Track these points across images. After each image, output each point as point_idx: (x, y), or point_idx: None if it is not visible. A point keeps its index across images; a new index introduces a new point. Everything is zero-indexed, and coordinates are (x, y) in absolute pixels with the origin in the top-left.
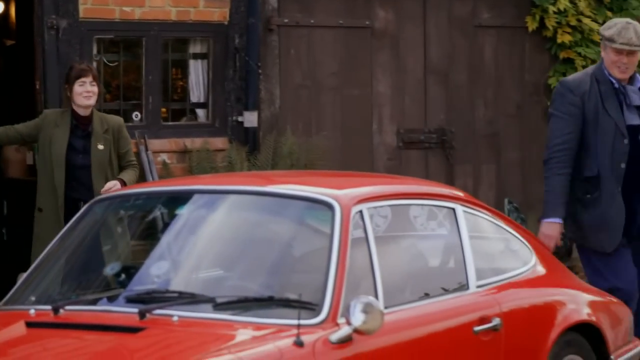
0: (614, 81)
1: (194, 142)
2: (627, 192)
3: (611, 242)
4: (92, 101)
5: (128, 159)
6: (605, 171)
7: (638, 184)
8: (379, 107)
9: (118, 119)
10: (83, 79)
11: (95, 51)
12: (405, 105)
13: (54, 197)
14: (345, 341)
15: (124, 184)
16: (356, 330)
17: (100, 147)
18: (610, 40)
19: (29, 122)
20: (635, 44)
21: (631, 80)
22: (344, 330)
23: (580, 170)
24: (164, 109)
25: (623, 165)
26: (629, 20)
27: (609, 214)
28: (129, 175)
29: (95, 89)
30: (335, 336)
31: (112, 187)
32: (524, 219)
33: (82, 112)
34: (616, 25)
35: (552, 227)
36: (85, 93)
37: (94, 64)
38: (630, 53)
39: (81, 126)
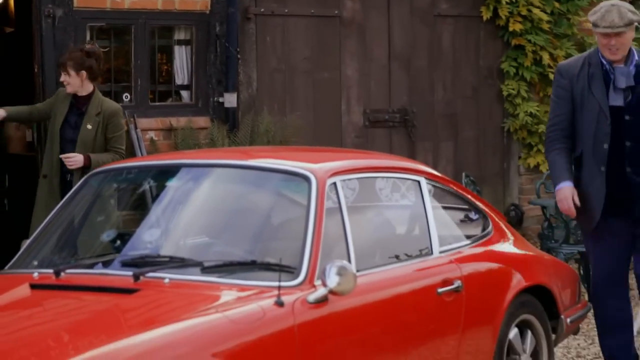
0: (604, 62)
1: (179, 121)
2: (622, 172)
3: (588, 221)
4: (70, 89)
5: (112, 144)
6: (587, 151)
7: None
8: (347, 89)
9: (114, 107)
10: (60, 71)
11: (88, 37)
12: (371, 87)
13: (53, 166)
14: (322, 301)
15: (89, 160)
16: (331, 292)
17: (89, 126)
18: (595, 25)
19: (47, 100)
20: (617, 25)
21: (628, 59)
22: (320, 292)
23: (572, 150)
24: (151, 91)
25: (606, 146)
26: (613, 2)
27: (587, 193)
28: (100, 156)
29: (69, 78)
30: (312, 296)
31: (72, 157)
32: (479, 191)
33: (80, 93)
34: (600, 10)
35: (562, 191)
36: (65, 83)
37: None
38: (617, 34)
39: (77, 105)
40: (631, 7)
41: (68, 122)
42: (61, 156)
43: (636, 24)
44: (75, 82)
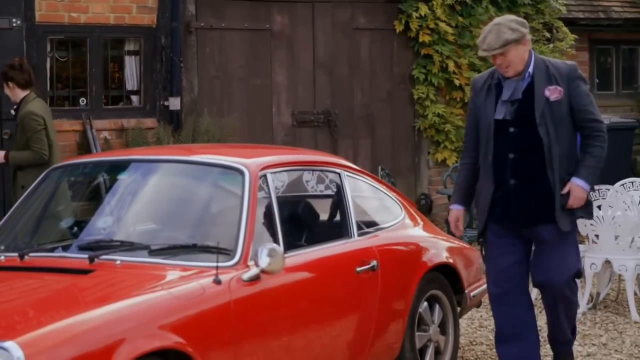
0: (500, 77)
1: (129, 122)
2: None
3: (478, 227)
4: (12, 99)
5: (29, 143)
6: (481, 163)
7: (524, 174)
8: (277, 94)
9: (24, 111)
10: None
11: (49, 49)
12: (298, 92)
13: None
14: (254, 279)
15: (7, 156)
16: (263, 271)
17: (15, 129)
18: (478, 47)
19: None
20: (493, 47)
21: (524, 73)
22: (253, 271)
23: None
24: (105, 96)
25: (490, 158)
26: (497, 21)
27: (480, 202)
28: (20, 153)
29: (6, 89)
30: (246, 275)
31: None
32: (393, 182)
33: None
34: (484, 31)
35: (451, 213)
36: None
37: (47, 60)
38: (501, 54)
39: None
40: (513, 25)
41: None
42: None
43: (528, 37)
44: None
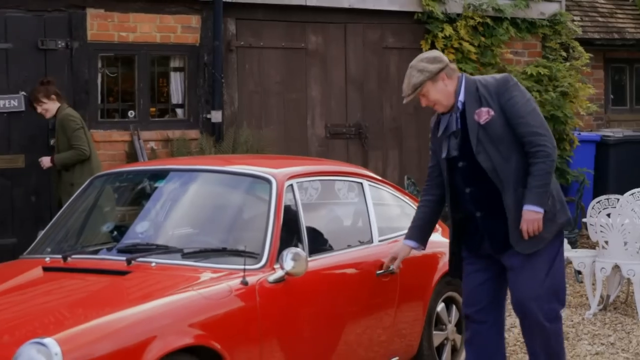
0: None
1: (174, 133)
2: (474, 216)
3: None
4: (48, 115)
5: (71, 142)
6: (447, 197)
7: (486, 205)
8: (312, 108)
9: (61, 114)
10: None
11: (100, 65)
12: (331, 106)
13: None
14: (280, 281)
15: (53, 160)
16: (287, 273)
17: (56, 137)
18: None
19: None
20: (407, 93)
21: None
22: (278, 273)
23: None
24: (152, 108)
25: (449, 194)
26: (411, 64)
27: (450, 234)
28: (63, 154)
29: (45, 105)
30: (271, 277)
31: (42, 160)
32: (419, 191)
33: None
34: None
35: (396, 247)
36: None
37: (99, 75)
38: (422, 95)
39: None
40: (421, 65)
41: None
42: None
43: (444, 71)
44: (47, 110)
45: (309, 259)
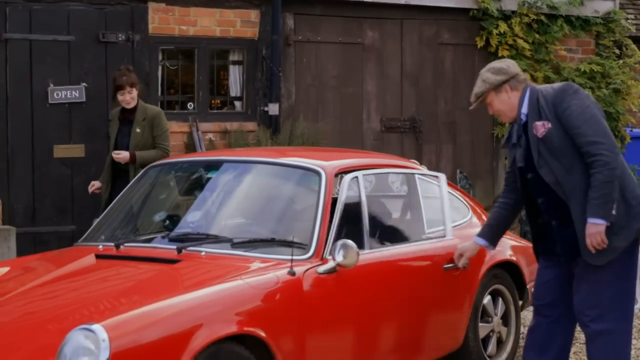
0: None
1: (232, 125)
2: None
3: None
4: (132, 104)
5: (158, 141)
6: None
7: (559, 215)
8: (368, 102)
9: (156, 110)
10: (121, 91)
11: (160, 58)
12: (386, 100)
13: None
14: (331, 272)
15: (134, 157)
16: (339, 265)
17: (138, 130)
18: None
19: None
20: (471, 101)
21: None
22: (329, 264)
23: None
24: (211, 101)
25: (526, 202)
26: (481, 71)
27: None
28: (146, 152)
29: (133, 93)
30: (321, 268)
31: (119, 154)
32: (471, 184)
33: (126, 106)
34: None
35: (466, 244)
36: (125, 102)
37: (159, 68)
38: (488, 104)
39: (126, 116)
40: (486, 76)
41: (122, 132)
42: (112, 153)
43: (509, 82)
44: (135, 98)
45: (366, 252)
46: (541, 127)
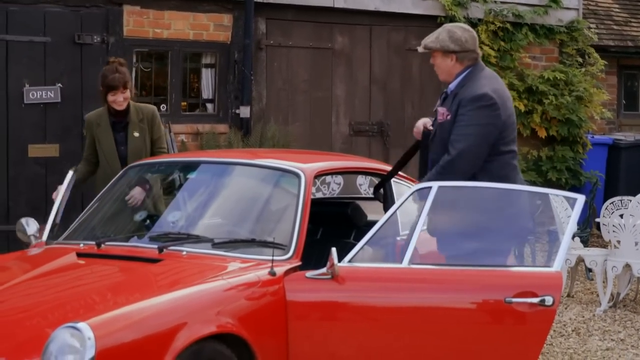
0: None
1: (204, 127)
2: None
3: None
4: (124, 106)
5: (159, 145)
6: None
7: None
8: (337, 106)
9: (152, 108)
10: (114, 91)
11: (134, 60)
12: (355, 105)
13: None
14: (322, 277)
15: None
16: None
17: (136, 134)
18: None
19: (87, 141)
20: (423, 44)
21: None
22: (321, 270)
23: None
24: (183, 103)
25: None
26: (448, 26)
27: None
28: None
29: (127, 93)
30: (309, 274)
31: (133, 198)
32: None
33: (118, 108)
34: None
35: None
36: (117, 104)
37: (133, 70)
38: (432, 55)
39: (119, 119)
40: (445, 37)
41: (116, 140)
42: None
43: (457, 55)
44: (128, 98)
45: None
46: (441, 115)
